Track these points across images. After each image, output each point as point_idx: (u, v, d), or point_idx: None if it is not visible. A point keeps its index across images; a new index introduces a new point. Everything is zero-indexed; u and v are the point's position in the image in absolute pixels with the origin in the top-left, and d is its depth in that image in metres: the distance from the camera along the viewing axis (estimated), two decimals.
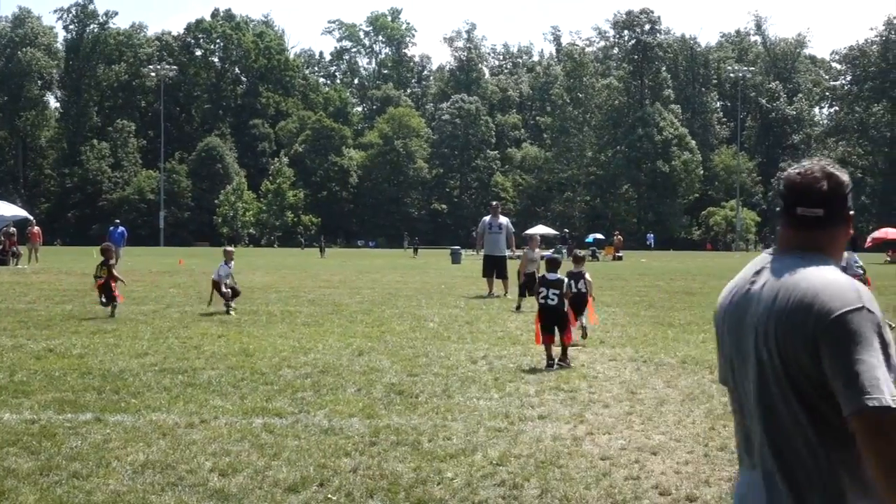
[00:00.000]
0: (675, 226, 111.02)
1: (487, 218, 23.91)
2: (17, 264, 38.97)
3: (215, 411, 8.74)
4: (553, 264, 12.36)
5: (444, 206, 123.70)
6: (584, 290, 13.87)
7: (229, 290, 18.07)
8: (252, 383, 10.17)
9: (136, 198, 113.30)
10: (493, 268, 22.99)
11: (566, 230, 74.86)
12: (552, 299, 11.77)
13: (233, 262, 18.79)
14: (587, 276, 14.10)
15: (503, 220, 23.76)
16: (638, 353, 12.76)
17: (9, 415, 8.52)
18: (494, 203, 25.62)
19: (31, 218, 48.08)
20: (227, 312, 17.41)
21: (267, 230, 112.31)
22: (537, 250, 20.72)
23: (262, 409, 8.86)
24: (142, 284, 26.35)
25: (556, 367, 11.31)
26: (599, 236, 76.65)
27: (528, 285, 18.19)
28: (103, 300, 17.25)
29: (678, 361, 12.06)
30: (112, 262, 18.11)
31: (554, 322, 11.69)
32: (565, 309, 11.98)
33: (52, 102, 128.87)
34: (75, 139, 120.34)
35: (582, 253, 16.34)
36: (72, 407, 8.86)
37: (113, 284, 17.30)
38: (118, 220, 51.09)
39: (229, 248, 19.89)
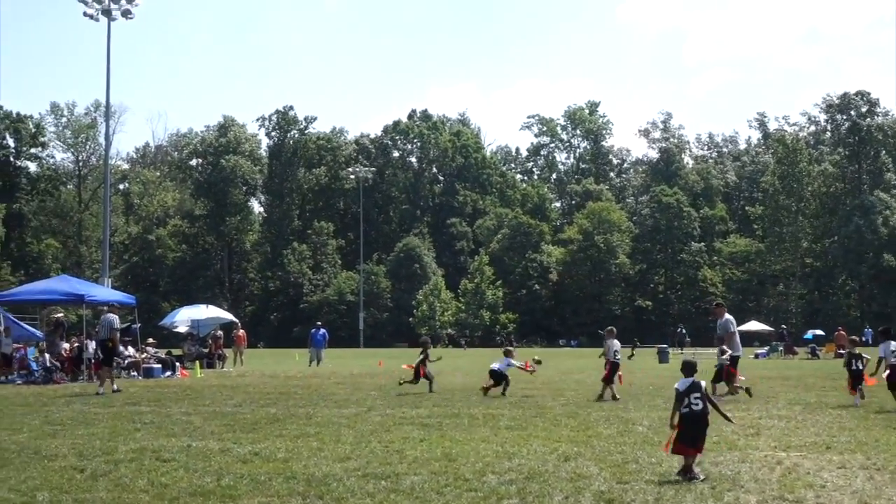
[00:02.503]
0: None
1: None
2: (223, 367, 40.74)
3: None
4: (688, 368, 11.35)
5: (648, 303, 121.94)
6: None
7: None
8: (456, 490, 10.15)
9: (336, 299, 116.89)
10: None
11: (783, 326, 72.21)
12: (696, 404, 10.96)
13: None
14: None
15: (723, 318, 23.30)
16: (870, 461, 12.03)
17: None
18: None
19: (237, 321, 50.25)
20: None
21: (466, 330, 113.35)
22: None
23: None
24: (343, 387, 26.96)
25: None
26: (819, 332, 73.57)
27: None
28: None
29: None
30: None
31: (698, 431, 10.90)
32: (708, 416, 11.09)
33: (256, 207, 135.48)
34: (277, 242, 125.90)
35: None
36: None
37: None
38: (319, 322, 52.83)
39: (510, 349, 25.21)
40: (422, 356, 24.76)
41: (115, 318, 27.45)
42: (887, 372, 19.43)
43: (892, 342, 20.86)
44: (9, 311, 38.63)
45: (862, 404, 19.85)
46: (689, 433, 10.90)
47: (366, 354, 69.47)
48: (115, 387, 25.55)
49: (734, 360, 22.72)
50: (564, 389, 25.23)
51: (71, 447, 13.80)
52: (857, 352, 21.56)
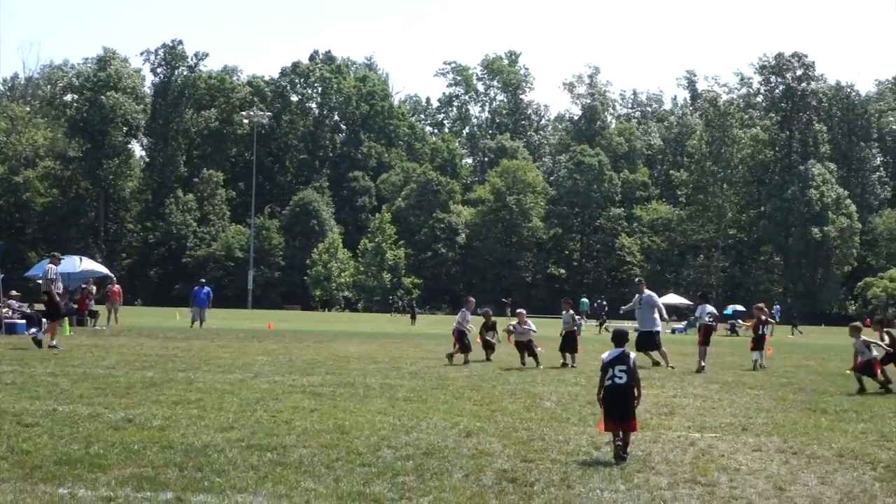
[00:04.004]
0: (827, 298, 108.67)
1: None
2: (94, 325, 40.08)
3: (307, 494, 8.78)
4: (619, 338, 11.61)
5: (562, 271, 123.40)
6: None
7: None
8: (348, 464, 10.20)
9: (223, 255, 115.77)
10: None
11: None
12: (619, 377, 11.20)
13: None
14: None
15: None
16: (786, 444, 12.41)
17: (83, 490, 8.69)
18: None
19: (112, 275, 49.48)
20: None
21: (364, 293, 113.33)
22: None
23: (358, 493, 8.87)
24: (228, 350, 26.82)
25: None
26: (739, 307, 75.28)
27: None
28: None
29: (834, 454, 11.69)
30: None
31: (622, 406, 11.12)
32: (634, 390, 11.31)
33: (137, 150, 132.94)
34: (160, 190, 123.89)
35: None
36: (151, 484, 9.00)
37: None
38: (203, 280, 52.31)
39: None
40: (484, 326, 26.24)
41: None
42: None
43: (708, 306, 26.15)
44: None
45: (763, 371, 22.28)
46: (614, 408, 11.13)
47: (254, 316, 69.06)
48: None
49: (651, 336, 25.43)
50: (470, 363, 25.45)
51: None
52: (766, 318, 26.95)
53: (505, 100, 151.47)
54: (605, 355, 11.39)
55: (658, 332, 25.53)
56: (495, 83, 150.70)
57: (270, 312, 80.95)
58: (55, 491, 8.65)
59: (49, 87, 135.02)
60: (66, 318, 35.48)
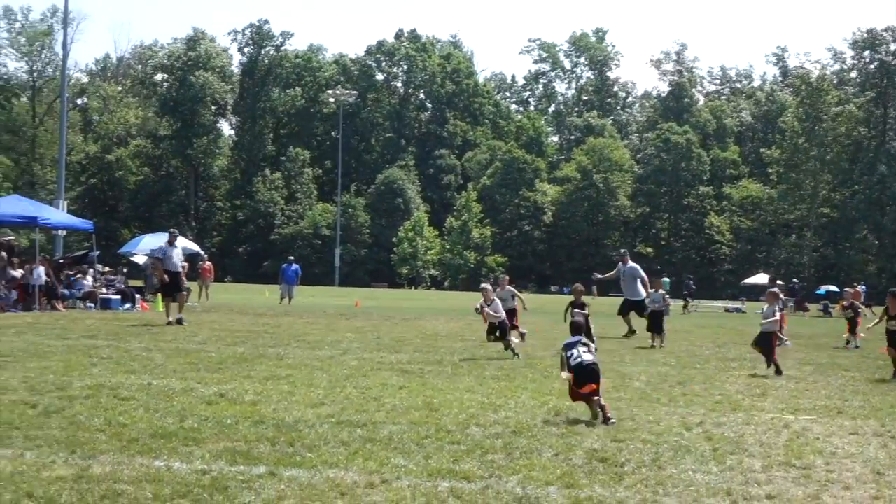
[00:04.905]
0: None
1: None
2: (187, 300, 40.70)
3: (397, 471, 8.82)
4: (575, 329, 12.95)
5: (649, 250, 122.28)
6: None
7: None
8: (437, 441, 10.23)
9: (310, 232, 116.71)
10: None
11: (794, 280, 72.53)
12: (585, 356, 12.18)
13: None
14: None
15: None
16: (884, 427, 12.17)
17: (179, 464, 8.84)
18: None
19: (203, 252, 50.19)
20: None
21: (450, 271, 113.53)
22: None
23: (448, 471, 8.89)
24: (317, 327, 27.08)
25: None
26: (832, 288, 73.91)
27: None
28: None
29: None
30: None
31: (588, 378, 12.03)
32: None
33: (226, 129, 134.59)
34: (248, 169, 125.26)
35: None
36: (244, 458, 9.12)
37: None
38: (292, 258, 52.83)
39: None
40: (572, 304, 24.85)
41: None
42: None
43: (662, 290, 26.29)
44: None
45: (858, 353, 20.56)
46: (580, 381, 12.00)
47: (342, 293, 69.62)
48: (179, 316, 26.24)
49: (637, 304, 27.45)
50: (556, 339, 25.34)
51: (22, 381, 13.84)
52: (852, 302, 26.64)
53: (591, 77, 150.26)
54: (566, 341, 12.53)
55: (643, 300, 27.20)
56: (582, 60, 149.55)
57: (357, 290, 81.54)
58: (151, 463, 8.82)
59: (140, 66, 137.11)
60: (160, 294, 36.14)
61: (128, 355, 17.91)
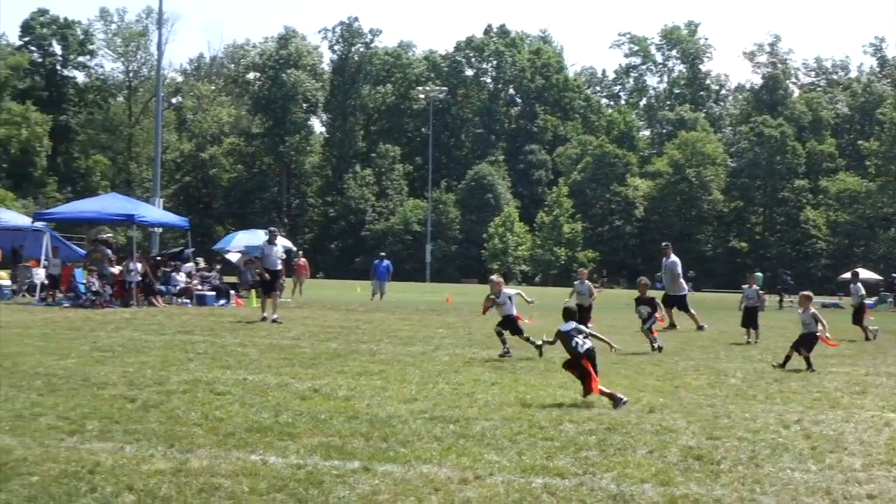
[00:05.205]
0: None
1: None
2: (280, 297, 41.20)
3: (490, 467, 8.83)
4: (568, 315, 13.50)
5: (743, 245, 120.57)
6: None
7: None
8: (530, 438, 10.22)
9: (401, 229, 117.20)
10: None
11: (894, 275, 70.82)
12: (584, 344, 12.97)
13: None
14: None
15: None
16: None
17: (274, 458, 8.96)
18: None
19: (294, 248, 50.73)
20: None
21: (541, 267, 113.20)
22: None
23: (542, 467, 8.88)
24: (408, 323, 27.21)
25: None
26: None
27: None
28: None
29: None
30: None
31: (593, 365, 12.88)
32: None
33: (317, 126, 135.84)
34: (339, 165, 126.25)
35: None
36: (338, 453, 9.21)
37: None
38: (383, 254, 53.13)
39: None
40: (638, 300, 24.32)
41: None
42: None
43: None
44: (55, 229, 39.56)
45: None
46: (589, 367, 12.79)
47: (433, 289, 69.84)
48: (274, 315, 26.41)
49: (680, 298, 27.28)
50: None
51: (121, 375, 14.14)
52: None
53: (683, 70, 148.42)
54: (562, 327, 13.22)
55: (685, 295, 27.71)
56: (674, 53, 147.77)
57: (448, 286, 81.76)
58: (247, 458, 8.94)
59: (232, 65, 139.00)
60: (254, 291, 36.67)
61: (223, 351, 18.19)
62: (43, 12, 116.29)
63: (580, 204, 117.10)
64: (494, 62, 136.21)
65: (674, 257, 28.45)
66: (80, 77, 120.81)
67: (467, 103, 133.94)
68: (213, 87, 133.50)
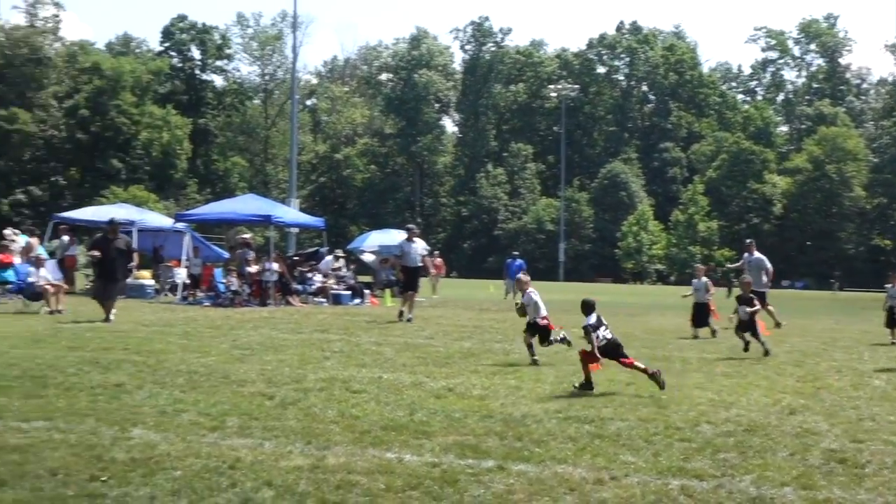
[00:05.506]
0: None
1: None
2: (417, 296, 41.49)
3: (626, 468, 8.74)
4: (587, 307, 13.88)
5: (887, 242, 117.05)
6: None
7: None
8: (667, 439, 10.09)
9: (534, 227, 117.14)
10: None
11: None
12: (609, 335, 13.70)
13: None
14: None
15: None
16: None
17: (409, 456, 9.01)
18: None
19: (428, 248, 51.01)
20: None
21: (676, 265, 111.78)
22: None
23: (679, 469, 8.75)
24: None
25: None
26: None
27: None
28: None
29: None
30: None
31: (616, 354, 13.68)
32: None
33: (449, 126, 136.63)
34: (471, 165, 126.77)
35: None
36: (473, 452, 9.22)
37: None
38: (516, 253, 53.10)
39: None
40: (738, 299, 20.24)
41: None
42: None
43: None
44: (195, 229, 40.61)
45: None
46: (613, 356, 13.60)
47: (566, 288, 69.47)
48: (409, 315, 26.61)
49: (761, 294, 25.49)
50: (788, 335, 24.61)
51: (260, 373, 14.42)
52: None
53: (822, 64, 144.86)
54: (587, 321, 13.66)
55: (765, 293, 26.64)
56: (812, 47, 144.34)
57: (582, 285, 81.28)
58: (383, 455, 9.02)
59: (365, 67, 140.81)
60: (388, 290, 37.05)
61: (358, 349, 18.40)
62: (182, 18, 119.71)
63: (716, 202, 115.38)
64: (627, 59, 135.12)
65: (758, 254, 28.45)
66: (218, 81, 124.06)
67: (600, 101, 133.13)
68: (346, 89, 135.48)
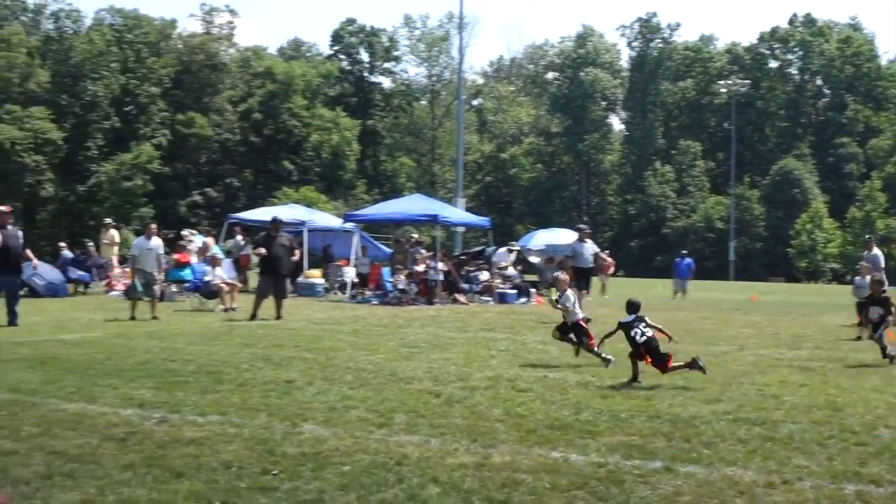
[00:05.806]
0: None
1: None
2: (588, 296, 41.34)
3: (798, 471, 8.54)
4: (632, 308, 14.48)
5: None
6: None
7: None
8: (842, 442, 9.80)
9: (703, 226, 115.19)
10: None
11: None
12: (646, 333, 14.03)
13: None
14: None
15: None
16: None
17: (575, 455, 9.00)
18: None
19: (597, 248, 50.72)
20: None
21: (853, 265, 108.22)
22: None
23: (854, 473, 8.50)
24: (710, 322, 26.70)
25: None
26: None
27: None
28: None
29: None
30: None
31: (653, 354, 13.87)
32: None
33: (616, 124, 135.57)
34: (639, 163, 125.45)
35: None
36: (640, 452, 9.15)
37: None
38: (685, 251, 52.35)
39: None
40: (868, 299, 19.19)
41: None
42: None
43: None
44: (363, 229, 41.38)
45: None
46: (644, 356, 13.88)
47: (736, 287, 68.19)
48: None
49: None
50: None
51: (426, 371, 14.61)
52: None
53: None
54: (623, 319, 14.31)
55: None
56: None
57: (753, 284, 79.62)
58: (548, 454, 9.03)
59: (531, 66, 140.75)
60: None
61: (523, 347, 18.45)
62: (351, 22, 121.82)
63: (895, 198, 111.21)
64: (800, 53, 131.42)
65: (876, 250, 28.32)
66: (386, 82, 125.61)
67: (772, 96, 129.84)
68: (512, 88, 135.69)
